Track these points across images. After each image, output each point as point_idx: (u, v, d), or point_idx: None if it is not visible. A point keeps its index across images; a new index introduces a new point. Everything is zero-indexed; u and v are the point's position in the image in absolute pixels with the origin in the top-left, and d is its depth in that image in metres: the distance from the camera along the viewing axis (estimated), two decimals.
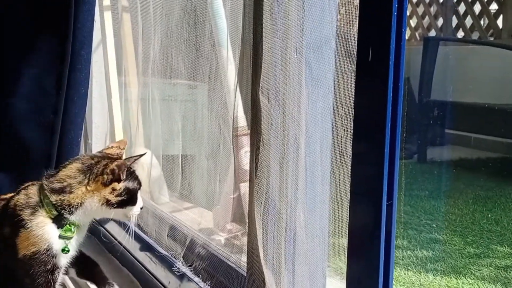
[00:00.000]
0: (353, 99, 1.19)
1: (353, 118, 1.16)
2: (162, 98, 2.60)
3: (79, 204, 1.79)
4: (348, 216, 1.19)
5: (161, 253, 2.12)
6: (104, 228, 2.65)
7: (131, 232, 1.91)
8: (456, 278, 3.03)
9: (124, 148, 1.94)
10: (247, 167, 2.13)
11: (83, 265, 1.97)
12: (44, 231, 1.80)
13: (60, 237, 1.81)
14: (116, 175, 1.79)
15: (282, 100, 1.49)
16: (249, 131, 2.13)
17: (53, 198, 1.80)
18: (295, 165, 1.49)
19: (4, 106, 2.45)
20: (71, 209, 1.79)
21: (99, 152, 1.96)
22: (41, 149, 2.46)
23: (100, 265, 2.38)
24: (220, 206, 2.30)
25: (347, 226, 1.19)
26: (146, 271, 2.22)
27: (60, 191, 1.80)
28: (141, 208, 1.88)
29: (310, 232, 1.46)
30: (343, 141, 1.22)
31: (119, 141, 2.07)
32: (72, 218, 1.79)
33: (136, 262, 2.33)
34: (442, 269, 3.22)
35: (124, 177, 1.81)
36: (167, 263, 2.06)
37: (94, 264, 2.02)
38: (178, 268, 1.96)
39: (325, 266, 1.50)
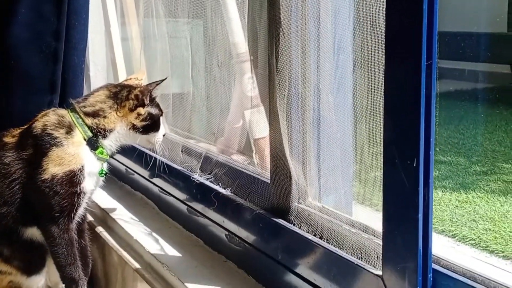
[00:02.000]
0: None
1: None
2: (163, 35, 2.54)
3: (112, 129, 1.86)
4: (383, 86, 1.15)
5: (176, 168, 2.08)
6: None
7: (158, 158, 1.94)
8: (465, 193, 3.02)
9: (142, 79, 2.01)
10: (250, 93, 2.10)
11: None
12: (79, 150, 1.81)
13: (98, 158, 1.85)
14: (140, 100, 1.87)
15: None
16: (251, 58, 2.10)
17: (88, 121, 1.84)
18: (317, 49, 1.46)
19: (4, 34, 2.39)
20: (106, 133, 1.85)
21: (119, 83, 2.02)
22: (46, 77, 2.41)
23: (111, 191, 2.37)
24: (224, 138, 2.26)
25: (382, 94, 1.16)
26: (161, 190, 2.20)
27: (94, 115, 1.86)
28: (163, 135, 1.95)
29: (340, 114, 1.44)
30: (374, 9, 1.18)
31: (137, 73, 2.14)
32: (105, 142, 1.83)
33: (150, 183, 2.31)
34: (450, 186, 3.22)
35: (148, 102, 1.88)
36: (183, 178, 2.03)
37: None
38: (196, 179, 1.92)
39: (351, 152, 1.48)
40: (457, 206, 2.86)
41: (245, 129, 2.14)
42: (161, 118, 1.94)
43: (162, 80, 1.96)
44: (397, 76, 1.11)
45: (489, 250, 2.44)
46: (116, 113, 1.86)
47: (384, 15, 1.13)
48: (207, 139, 2.24)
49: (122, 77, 2.84)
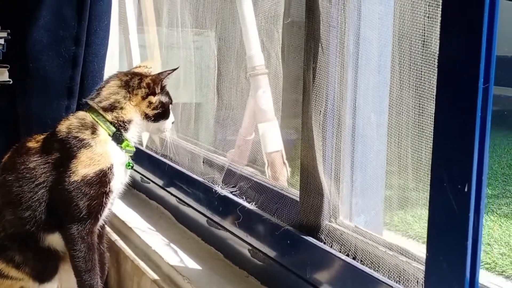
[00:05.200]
0: None
1: None
2: (188, 45, 2.52)
3: (130, 120, 1.82)
4: (432, 106, 1.13)
5: (197, 179, 2.05)
6: None
7: (169, 145, 1.91)
8: None
9: (151, 68, 1.96)
10: (265, 107, 2.08)
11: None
12: (107, 148, 1.79)
13: (126, 151, 1.82)
14: (151, 89, 1.84)
15: None
16: (266, 71, 2.08)
17: (109, 116, 1.81)
18: (356, 66, 1.44)
19: (24, 37, 2.36)
20: (126, 125, 1.82)
21: (129, 71, 1.96)
22: (64, 81, 2.38)
23: (125, 199, 2.34)
24: (235, 150, 2.25)
25: (431, 115, 1.13)
26: (179, 201, 2.17)
27: (112, 108, 1.83)
28: (172, 123, 1.92)
29: (382, 133, 1.41)
30: (426, 28, 1.16)
31: (145, 61, 2.09)
32: (127, 135, 1.80)
33: (166, 193, 2.28)
34: None
35: (159, 90, 1.85)
36: (204, 190, 2.00)
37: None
38: (219, 192, 1.89)
39: (384, 172, 1.47)
40: None
41: (257, 142, 2.12)
42: (170, 106, 1.91)
43: (174, 70, 1.92)
44: (451, 98, 1.08)
45: (505, 275, 2.41)
46: (130, 102, 1.84)
47: (437, 35, 1.11)
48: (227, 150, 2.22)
49: None
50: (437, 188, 1.12)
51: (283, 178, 1.99)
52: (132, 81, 1.85)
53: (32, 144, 1.88)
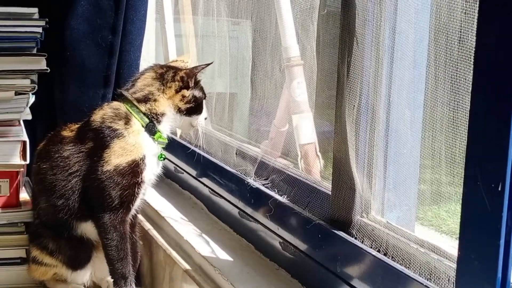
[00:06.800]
0: None
1: None
2: (223, 35, 2.52)
3: (163, 112, 1.84)
4: (468, 104, 1.11)
5: (230, 171, 2.06)
6: None
7: (201, 141, 1.91)
8: None
9: (187, 62, 1.96)
10: (299, 98, 2.07)
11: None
12: (140, 139, 1.80)
13: (158, 143, 1.84)
14: (185, 82, 1.85)
15: None
16: (302, 62, 2.07)
17: (142, 108, 1.83)
18: (391, 61, 1.42)
19: (62, 26, 2.39)
20: (159, 117, 1.84)
21: (165, 64, 1.99)
22: (100, 70, 2.41)
23: (159, 189, 2.35)
24: (268, 141, 2.24)
25: (466, 112, 1.11)
26: (212, 192, 2.18)
27: (146, 99, 1.84)
28: (205, 119, 1.94)
29: (416, 128, 1.40)
30: (463, 25, 1.14)
31: (182, 56, 2.09)
32: (160, 128, 1.81)
33: (199, 183, 2.29)
34: None
35: (192, 84, 1.86)
36: (237, 181, 2.00)
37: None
38: (252, 184, 1.89)
39: (418, 168, 1.46)
40: None
41: (291, 133, 2.11)
42: (203, 101, 1.93)
43: (208, 64, 1.93)
44: (486, 96, 1.06)
45: None
46: (164, 95, 1.85)
47: (474, 31, 1.09)
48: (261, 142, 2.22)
49: None
50: (471, 186, 1.10)
51: (316, 170, 1.98)
52: (166, 74, 1.86)
53: (66, 133, 1.91)
